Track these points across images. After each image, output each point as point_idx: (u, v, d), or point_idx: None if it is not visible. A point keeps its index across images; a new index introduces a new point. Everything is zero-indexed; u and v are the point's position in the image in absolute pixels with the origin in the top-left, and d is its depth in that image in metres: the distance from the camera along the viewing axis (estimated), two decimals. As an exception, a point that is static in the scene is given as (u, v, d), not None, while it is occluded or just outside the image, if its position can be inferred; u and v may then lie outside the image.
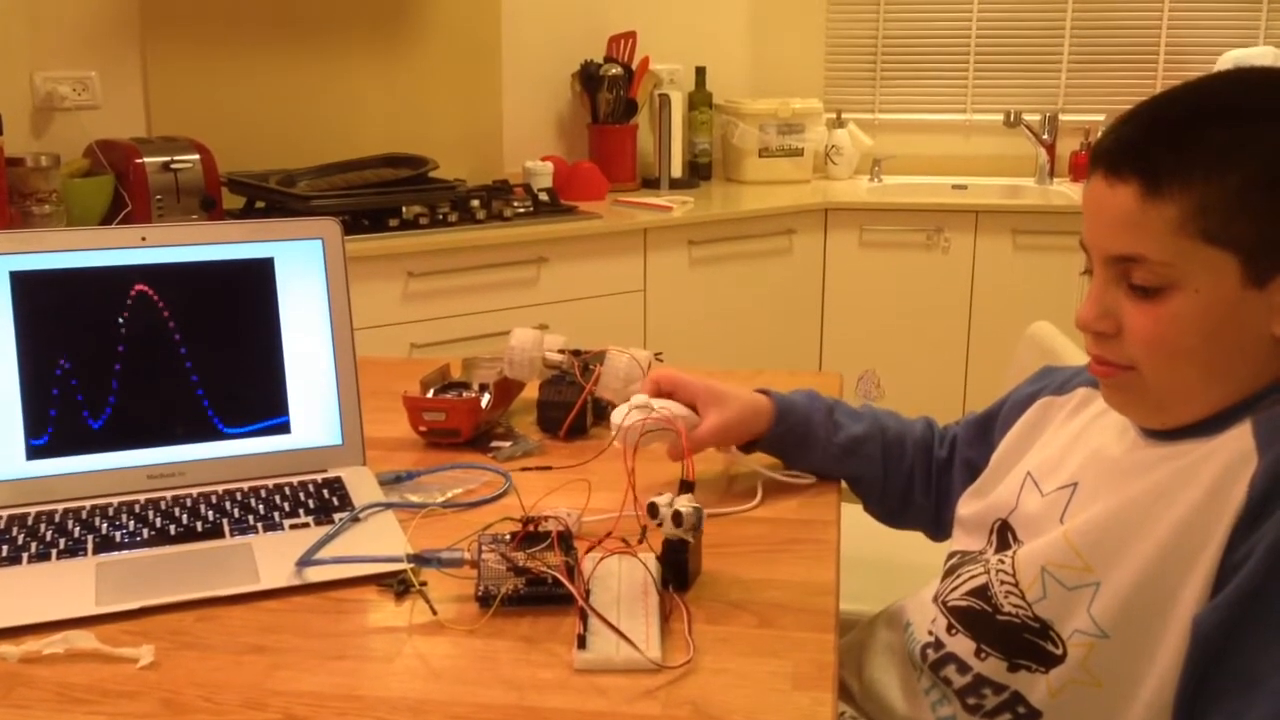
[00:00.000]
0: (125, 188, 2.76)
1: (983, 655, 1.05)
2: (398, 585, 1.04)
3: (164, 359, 1.23)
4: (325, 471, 1.27)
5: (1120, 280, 0.95)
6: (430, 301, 2.81)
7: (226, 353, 1.25)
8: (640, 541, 1.05)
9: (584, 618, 0.95)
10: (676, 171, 3.67)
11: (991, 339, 3.45)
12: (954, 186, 3.79)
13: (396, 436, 1.43)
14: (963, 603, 1.07)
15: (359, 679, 0.91)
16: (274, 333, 1.27)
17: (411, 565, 1.03)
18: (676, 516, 1.02)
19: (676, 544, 1.04)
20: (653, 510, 1.03)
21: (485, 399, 1.43)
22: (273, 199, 2.81)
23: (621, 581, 1.04)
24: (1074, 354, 1.67)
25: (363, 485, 1.24)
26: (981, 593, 1.05)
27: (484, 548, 1.04)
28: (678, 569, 1.04)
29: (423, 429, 1.41)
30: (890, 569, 1.63)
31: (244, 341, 1.26)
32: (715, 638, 0.97)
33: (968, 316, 3.47)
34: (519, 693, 0.89)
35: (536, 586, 1.00)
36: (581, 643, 0.93)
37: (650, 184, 3.67)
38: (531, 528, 1.05)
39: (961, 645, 1.07)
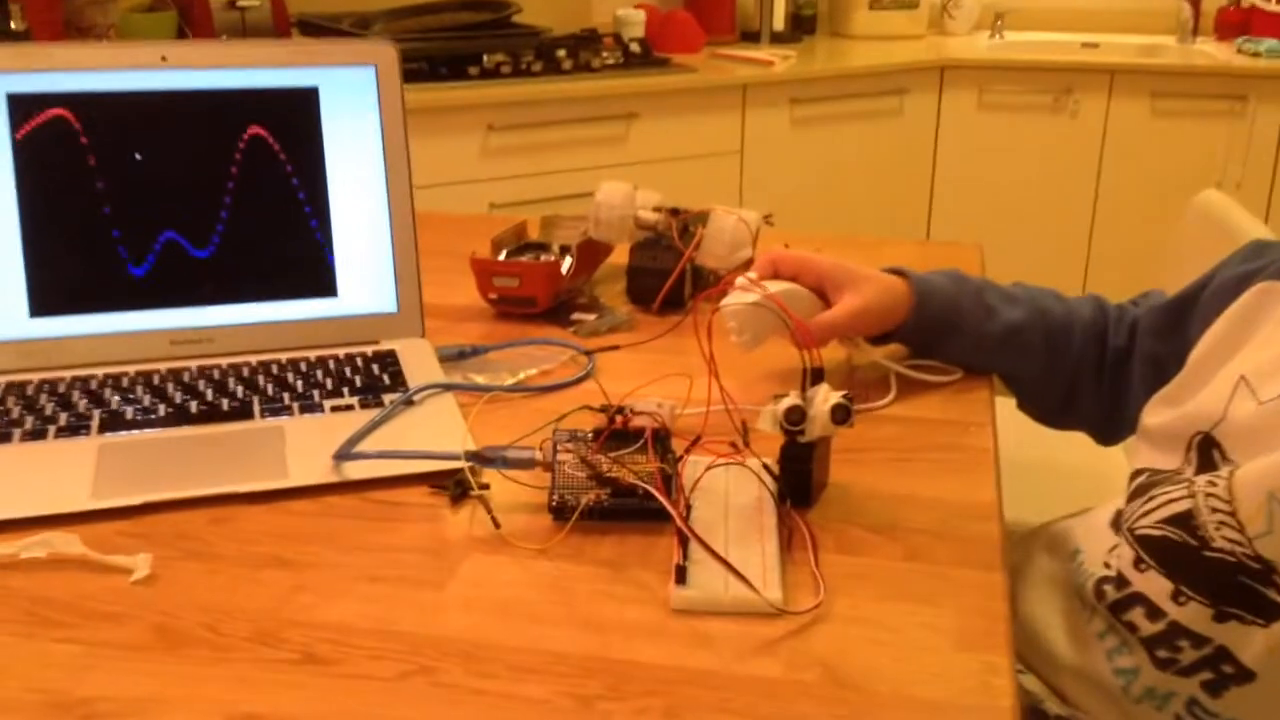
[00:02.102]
0: (188, 25, 2.56)
1: (1181, 599, 0.83)
2: (454, 488, 0.85)
3: (184, 205, 1.04)
4: (377, 344, 1.08)
5: None
6: (511, 158, 2.59)
7: (261, 199, 1.05)
8: (745, 445, 0.84)
9: (684, 543, 0.75)
10: (779, 24, 3.37)
11: (1121, 215, 3.15)
12: (1084, 44, 3.44)
13: (462, 305, 1.23)
14: (1157, 532, 0.85)
15: (399, 608, 0.72)
16: (318, 177, 1.07)
17: (471, 464, 0.84)
18: (839, 409, 0.81)
19: (799, 450, 0.83)
20: (795, 415, 0.81)
21: (566, 263, 1.22)
22: (343, 41, 2.58)
23: (730, 496, 0.83)
24: (1253, 228, 1.41)
25: (420, 361, 1.05)
26: (1184, 521, 0.83)
27: (559, 446, 0.84)
28: (799, 481, 0.83)
29: (492, 296, 1.20)
30: (1046, 474, 1.41)
31: (282, 186, 1.06)
32: (848, 572, 0.76)
33: (1094, 189, 3.17)
34: (601, 637, 0.70)
35: (624, 499, 0.80)
36: (680, 576, 0.73)
37: (750, 37, 3.38)
38: (619, 423, 0.85)
39: (1154, 585, 0.85)
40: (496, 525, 0.81)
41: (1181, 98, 3.05)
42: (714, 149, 2.87)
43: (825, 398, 0.82)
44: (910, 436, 0.95)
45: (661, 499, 0.77)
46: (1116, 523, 0.91)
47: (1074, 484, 1.41)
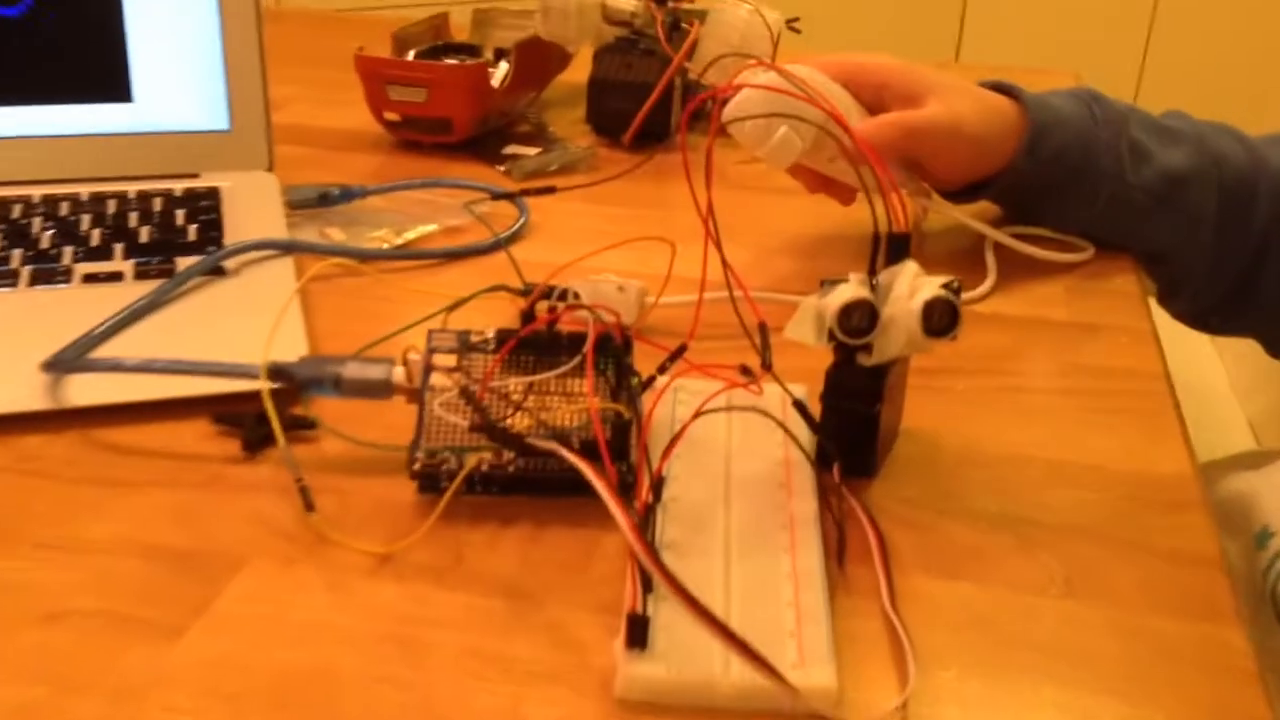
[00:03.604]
0: None
1: None
2: (250, 429, 0.48)
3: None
4: (196, 177, 0.70)
5: None
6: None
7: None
8: (765, 368, 0.46)
9: (644, 582, 0.38)
10: None
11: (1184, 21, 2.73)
12: None
13: (350, 129, 0.85)
14: None
15: (89, 670, 0.37)
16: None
17: (276, 385, 0.47)
18: (938, 309, 0.45)
19: (861, 379, 0.46)
20: (859, 317, 0.45)
21: (501, 71, 0.84)
22: None
23: (734, 462, 0.47)
24: None
25: (256, 207, 0.68)
26: None
27: (435, 361, 0.47)
28: (858, 434, 0.47)
29: (390, 117, 0.83)
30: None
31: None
32: (954, 618, 0.40)
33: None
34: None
35: (540, 465, 0.44)
36: (637, 633, 0.37)
37: None
38: (541, 321, 0.48)
39: None
40: (308, 506, 0.44)
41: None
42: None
43: (912, 287, 0.45)
44: (1025, 350, 0.59)
45: (595, 480, 0.40)
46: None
47: (1230, 422, 1.06)
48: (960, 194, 0.70)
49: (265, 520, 0.44)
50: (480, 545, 0.44)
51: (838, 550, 0.43)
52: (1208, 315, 0.75)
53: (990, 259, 0.66)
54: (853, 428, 0.47)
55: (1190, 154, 0.69)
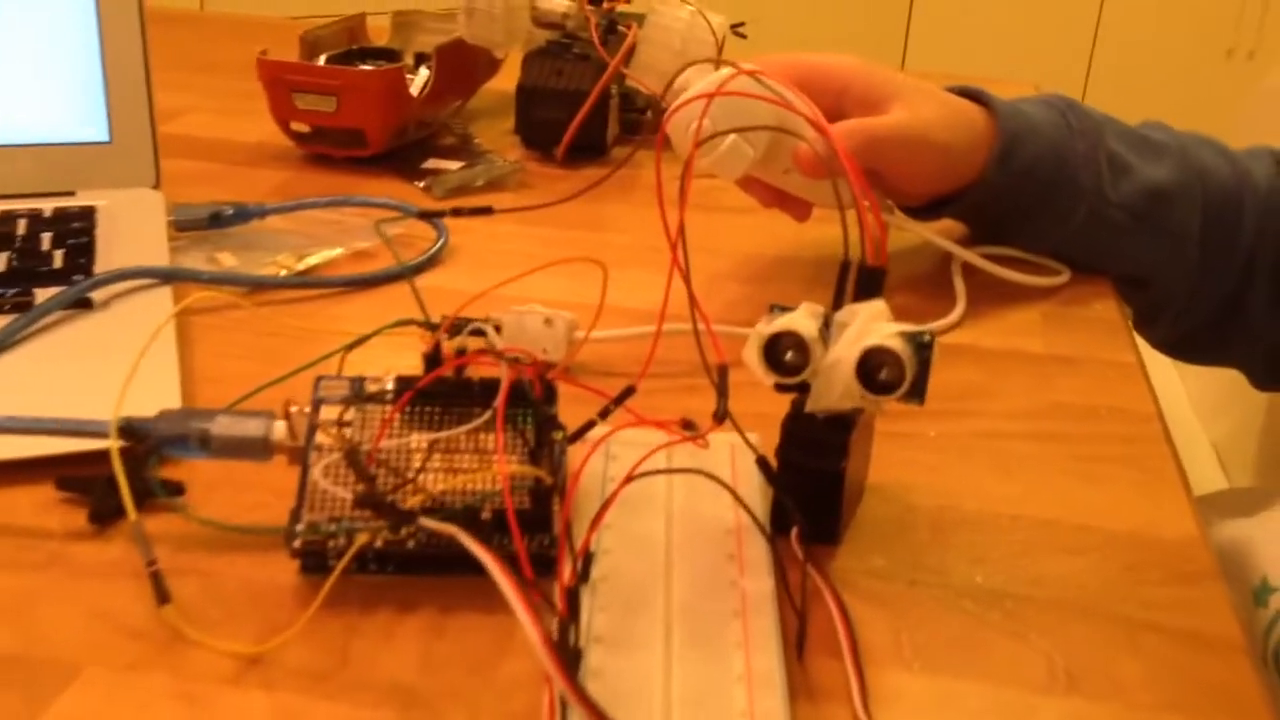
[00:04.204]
0: None
1: None
2: (99, 495, 0.41)
3: None
4: (71, 195, 0.63)
5: None
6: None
7: None
8: (717, 423, 0.39)
9: (562, 708, 0.31)
10: None
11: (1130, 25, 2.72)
12: None
13: (255, 142, 0.78)
14: None
15: None
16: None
17: (126, 444, 0.39)
18: (868, 363, 0.38)
19: (816, 431, 0.40)
20: (788, 351, 0.38)
21: (421, 77, 0.77)
22: None
23: (677, 527, 0.40)
24: None
25: (135, 227, 0.60)
26: None
27: (321, 413, 0.40)
28: (819, 493, 0.41)
29: (298, 127, 0.75)
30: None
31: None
32: (937, 724, 0.34)
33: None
34: None
35: (445, 539, 0.37)
36: (555, 765, 0.30)
37: None
38: (448, 365, 0.41)
39: None
40: (161, 597, 0.37)
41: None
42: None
43: (862, 331, 0.39)
44: (1001, 388, 0.53)
45: (499, 578, 0.32)
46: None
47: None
48: (923, 210, 0.64)
49: (110, 614, 0.37)
50: (372, 639, 0.36)
51: (797, 638, 0.36)
52: (1188, 343, 0.69)
53: (959, 284, 0.60)
54: (813, 487, 0.41)
55: (1173, 168, 0.63)
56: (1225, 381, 1.12)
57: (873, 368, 0.38)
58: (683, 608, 0.37)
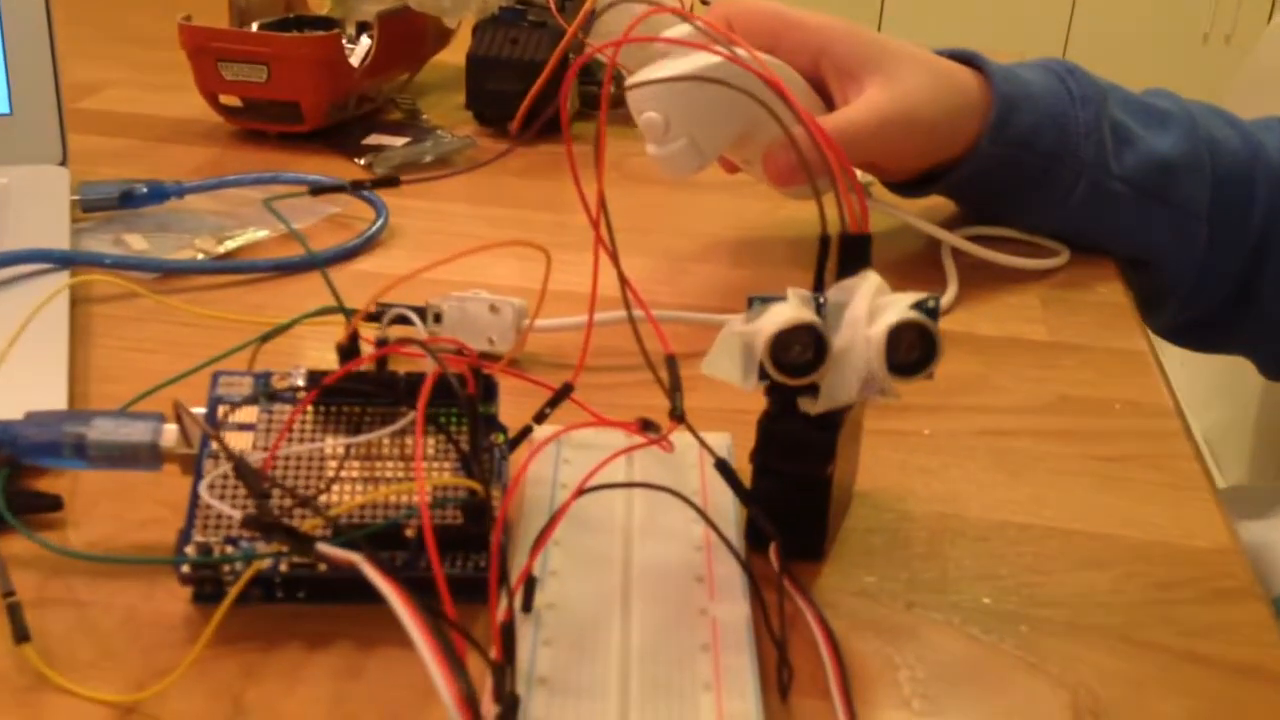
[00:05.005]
0: None
1: None
2: (-43, 513, 0.35)
3: None
4: (-33, 173, 0.56)
5: None
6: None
7: None
8: (675, 422, 0.34)
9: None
10: None
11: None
12: None
13: (176, 117, 0.72)
14: None
15: None
16: None
17: (-6, 458, 0.33)
18: (909, 335, 0.32)
19: (805, 432, 0.34)
20: (799, 347, 0.32)
21: (362, 47, 0.71)
22: None
23: (637, 546, 0.34)
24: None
25: (35, 207, 0.54)
26: None
27: (222, 415, 0.34)
28: (803, 504, 0.35)
29: (226, 101, 0.69)
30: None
31: None
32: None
33: None
34: None
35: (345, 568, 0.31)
36: None
37: None
38: (366, 358, 0.35)
39: None
40: (20, 634, 0.31)
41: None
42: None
43: (873, 308, 0.33)
44: (1002, 380, 0.47)
45: (399, 605, 0.26)
46: None
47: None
48: (909, 186, 0.59)
49: (-42, 656, 0.31)
50: (274, 682, 0.30)
51: (778, 675, 0.31)
52: (1194, 329, 0.64)
53: (949, 265, 0.55)
54: (795, 496, 0.35)
55: (1181, 138, 0.58)
56: (1216, 371, 1.07)
57: (899, 347, 0.33)
58: (643, 641, 0.31)
